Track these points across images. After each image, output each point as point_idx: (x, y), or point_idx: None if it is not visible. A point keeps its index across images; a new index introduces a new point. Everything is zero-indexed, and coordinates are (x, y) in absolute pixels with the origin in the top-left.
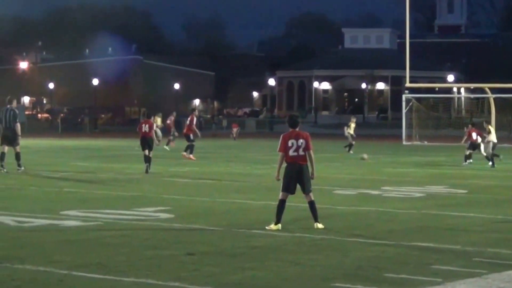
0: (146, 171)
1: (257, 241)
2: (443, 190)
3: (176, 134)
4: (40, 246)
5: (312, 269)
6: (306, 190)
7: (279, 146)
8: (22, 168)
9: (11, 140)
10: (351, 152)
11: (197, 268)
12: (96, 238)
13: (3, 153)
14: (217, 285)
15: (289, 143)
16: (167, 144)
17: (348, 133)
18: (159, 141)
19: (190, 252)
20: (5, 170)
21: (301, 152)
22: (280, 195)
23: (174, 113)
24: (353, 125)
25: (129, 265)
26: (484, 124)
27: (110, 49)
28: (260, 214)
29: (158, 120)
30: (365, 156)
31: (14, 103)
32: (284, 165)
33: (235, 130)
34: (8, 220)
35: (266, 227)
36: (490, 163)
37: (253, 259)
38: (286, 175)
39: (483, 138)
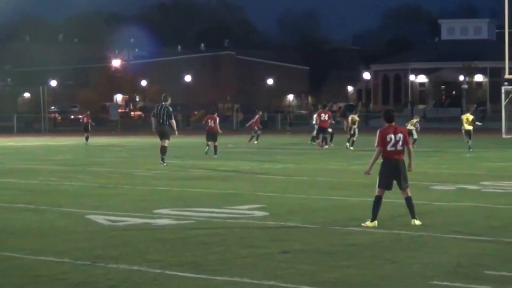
0: (215, 153)
1: (353, 239)
2: None
3: (259, 132)
4: (134, 245)
5: (410, 267)
6: (403, 186)
7: (376, 141)
8: (165, 164)
9: (166, 134)
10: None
11: (292, 266)
12: (190, 236)
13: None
14: (313, 284)
15: (387, 138)
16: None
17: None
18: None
19: (285, 250)
20: (164, 164)
21: (399, 147)
22: (377, 191)
23: (260, 112)
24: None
25: (223, 263)
26: None
27: (202, 45)
28: (356, 211)
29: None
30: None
31: (169, 101)
32: (380, 160)
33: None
34: (102, 219)
35: (362, 224)
36: None
37: (350, 257)
38: (383, 170)
39: None
